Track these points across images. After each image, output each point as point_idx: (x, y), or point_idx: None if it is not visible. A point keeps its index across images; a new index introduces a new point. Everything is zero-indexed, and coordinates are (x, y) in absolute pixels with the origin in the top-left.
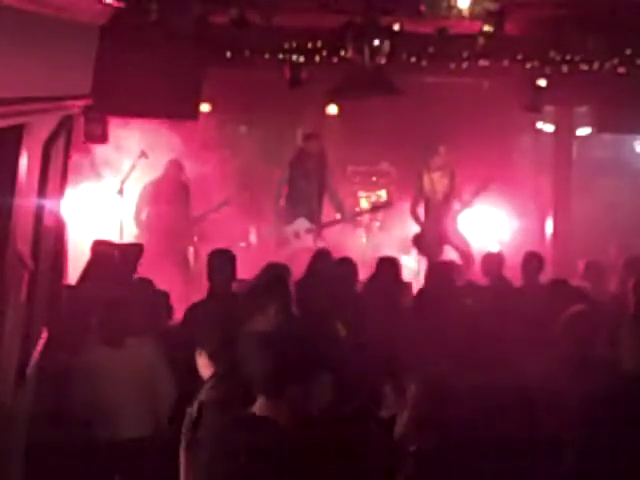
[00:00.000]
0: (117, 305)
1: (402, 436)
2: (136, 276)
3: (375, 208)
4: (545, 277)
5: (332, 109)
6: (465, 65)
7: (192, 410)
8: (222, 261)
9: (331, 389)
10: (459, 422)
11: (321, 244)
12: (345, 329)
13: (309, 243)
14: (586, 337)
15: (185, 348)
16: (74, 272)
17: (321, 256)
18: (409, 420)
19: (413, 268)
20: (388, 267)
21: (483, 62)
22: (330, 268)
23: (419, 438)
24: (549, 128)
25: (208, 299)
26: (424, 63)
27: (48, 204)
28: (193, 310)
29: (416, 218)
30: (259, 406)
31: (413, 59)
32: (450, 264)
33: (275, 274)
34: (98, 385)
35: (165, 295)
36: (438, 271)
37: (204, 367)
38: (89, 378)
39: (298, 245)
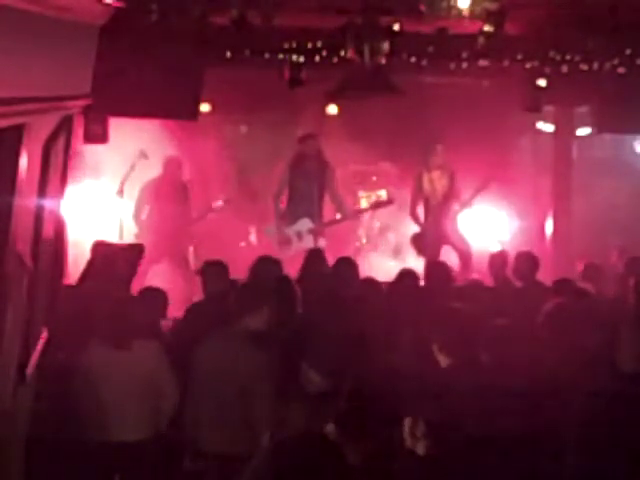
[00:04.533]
0: (120, 306)
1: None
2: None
3: (376, 205)
4: (544, 277)
5: (332, 109)
6: (465, 65)
7: None
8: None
9: None
10: (460, 424)
11: (323, 244)
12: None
13: (311, 244)
14: (568, 328)
15: (185, 348)
16: (74, 272)
17: (315, 256)
18: (412, 424)
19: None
20: (409, 279)
21: (483, 62)
22: (326, 267)
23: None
24: (549, 128)
25: (207, 299)
26: (424, 63)
27: (48, 204)
28: (193, 310)
29: (415, 218)
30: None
31: (413, 59)
32: (445, 265)
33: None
34: (99, 386)
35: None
36: (435, 271)
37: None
38: (90, 379)
39: (300, 245)
